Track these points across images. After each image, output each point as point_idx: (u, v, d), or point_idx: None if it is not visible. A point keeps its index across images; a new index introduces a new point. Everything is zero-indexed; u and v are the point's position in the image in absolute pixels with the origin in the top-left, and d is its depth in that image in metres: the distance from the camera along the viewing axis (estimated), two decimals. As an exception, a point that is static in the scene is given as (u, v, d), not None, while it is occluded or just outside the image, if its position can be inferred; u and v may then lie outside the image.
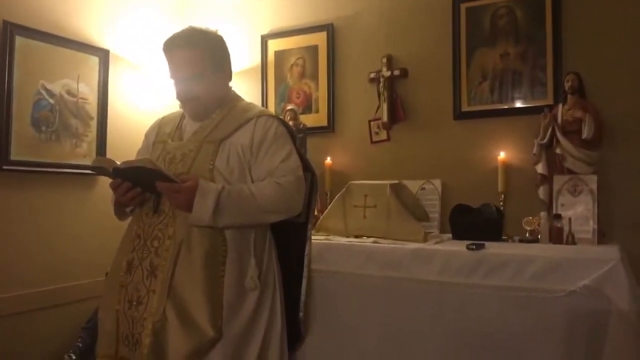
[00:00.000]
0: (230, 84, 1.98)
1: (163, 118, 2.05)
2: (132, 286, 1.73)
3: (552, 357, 1.94)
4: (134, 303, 1.71)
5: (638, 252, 2.29)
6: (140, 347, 1.67)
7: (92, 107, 3.15)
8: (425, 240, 2.38)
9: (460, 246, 2.21)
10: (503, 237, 2.46)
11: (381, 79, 3.03)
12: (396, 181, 2.59)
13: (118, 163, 1.70)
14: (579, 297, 1.91)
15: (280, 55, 3.46)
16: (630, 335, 1.84)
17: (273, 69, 3.48)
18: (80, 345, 2.79)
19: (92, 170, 1.86)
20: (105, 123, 3.21)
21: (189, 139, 1.87)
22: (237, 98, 1.99)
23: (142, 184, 1.73)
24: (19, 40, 2.76)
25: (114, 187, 1.75)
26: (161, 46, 1.85)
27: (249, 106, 1.96)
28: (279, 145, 1.84)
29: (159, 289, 1.69)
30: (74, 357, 2.74)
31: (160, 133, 1.97)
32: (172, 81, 1.86)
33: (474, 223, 2.45)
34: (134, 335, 1.69)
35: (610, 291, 1.87)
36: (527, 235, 2.47)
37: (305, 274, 2.04)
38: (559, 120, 2.49)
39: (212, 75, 1.84)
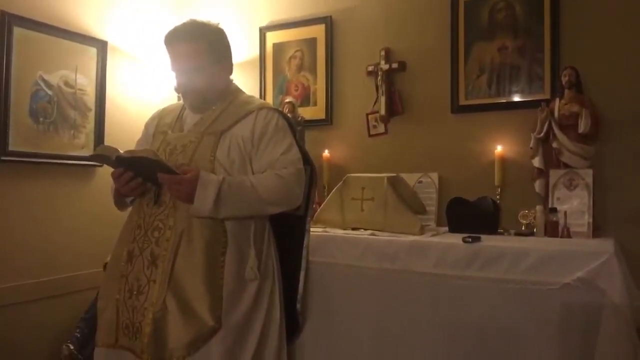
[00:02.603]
0: (230, 77, 1.99)
1: (163, 109, 2.06)
2: (133, 276, 1.75)
3: (546, 348, 1.96)
4: (135, 292, 1.73)
5: (632, 245, 2.32)
6: (141, 336, 1.69)
7: (90, 99, 3.14)
8: (421, 233, 2.40)
9: (456, 239, 2.22)
10: (499, 230, 2.48)
11: (379, 72, 3.03)
12: (393, 174, 2.61)
13: (121, 152, 1.71)
14: (573, 290, 1.93)
15: (278, 47, 3.45)
16: (623, 328, 1.86)
17: (271, 62, 3.47)
18: (79, 335, 2.80)
19: (94, 159, 1.87)
20: (103, 114, 3.21)
21: (190, 130, 1.89)
22: (238, 91, 2.00)
23: (144, 175, 1.74)
24: (17, 31, 2.75)
25: (116, 177, 1.76)
26: (162, 38, 1.86)
27: (250, 99, 1.98)
28: (279, 138, 1.85)
29: (159, 279, 1.70)
30: (72, 348, 2.75)
31: (161, 124, 1.98)
32: (172, 73, 1.88)
33: (471, 216, 2.47)
34: (134, 325, 1.71)
35: (604, 284, 1.89)
36: (523, 228, 2.48)
37: (303, 265, 2.06)
38: (556, 114, 2.50)
39: (213, 68, 1.85)
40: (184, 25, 1.86)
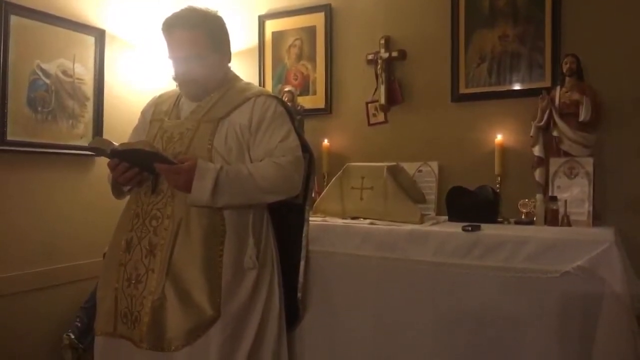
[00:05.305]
0: (229, 64, 1.98)
1: (160, 96, 2.05)
2: (131, 265, 1.75)
3: (546, 336, 1.97)
4: (133, 281, 1.73)
5: (632, 234, 2.32)
6: (139, 325, 1.69)
7: (88, 88, 3.13)
8: (421, 221, 2.39)
9: (456, 228, 2.21)
10: (499, 219, 2.47)
11: (379, 61, 3.01)
12: (393, 163, 2.59)
13: (116, 144, 1.70)
14: (573, 278, 1.93)
15: (277, 36, 3.43)
16: (623, 316, 1.85)
17: (270, 50, 3.45)
18: (79, 324, 2.81)
19: (89, 151, 1.86)
20: (102, 104, 3.19)
21: (187, 117, 1.87)
22: (236, 78, 1.99)
23: (140, 165, 1.73)
24: (13, 19, 2.73)
25: (112, 167, 1.75)
26: (160, 25, 1.84)
27: (248, 86, 1.96)
28: (277, 125, 1.84)
29: (157, 268, 1.70)
30: (72, 337, 2.76)
31: (157, 111, 1.96)
32: (170, 61, 1.86)
33: (470, 205, 2.46)
34: (133, 314, 1.71)
35: (604, 272, 1.89)
36: (523, 217, 2.48)
37: (303, 254, 2.06)
38: (557, 102, 2.48)
39: (211, 56, 1.84)
40: (183, 12, 1.84)
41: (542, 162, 2.52)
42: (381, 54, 3.01)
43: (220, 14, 1.92)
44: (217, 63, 1.89)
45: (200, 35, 1.81)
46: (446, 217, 2.55)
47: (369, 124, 3.12)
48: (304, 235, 2.06)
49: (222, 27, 1.92)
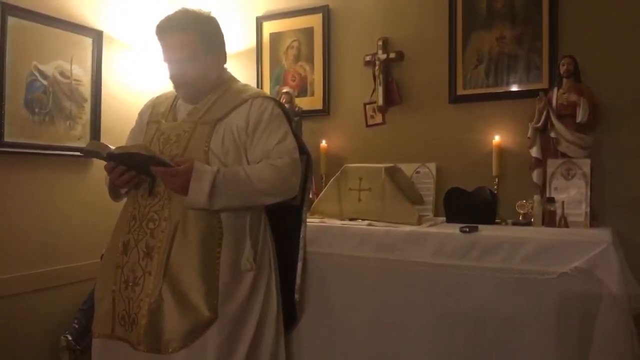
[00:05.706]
0: (225, 65, 1.97)
1: (158, 97, 2.04)
2: (128, 267, 1.75)
3: (544, 337, 1.97)
4: (130, 284, 1.73)
5: (629, 234, 2.32)
6: (137, 327, 1.69)
7: (86, 89, 3.12)
8: (419, 223, 2.40)
9: (454, 229, 2.22)
10: (496, 220, 2.48)
11: (377, 62, 3.01)
12: (391, 164, 2.60)
13: (112, 148, 1.70)
14: (571, 279, 1.93)
15: (275, 37, 3.43)
16: (620, 317, 1.86)
17: (268, 52, 3.45)
18: (77, 326, 2.81)
19: (85, 154, 1.86)
20: (99, 105, 3.19)
21: (184, 119, 1.87)
22: (233, 79, 1.98)
23: (137, 168, 1.73)
24: (11, 21, 2.72)
25: (109, 170, 1.75)
26: (154, 28, 1.83)
27: (245, 87, 1.96)
28: (274, 127, 1.84)
29: (154, 270, 1.70)
30: (70, 338, 2.76)
31: (154, 113, 1.96)
32: (165, 63, 1.85)
33: (468, 206, 2.46)
34: (130, 316, 1.71)
35: (601, 273, 1.89)
36: (520, 218, 2.48)
37: (300, 256, 2.06)
38: (554, 104, 2.49)
39: (205, 58, 1.83)
40: (176, 14, 1.83)
41: (540, 163, 2.53)
42: (379, 55, 3.01)
43: (213, 14, 1.91)
44: (211, 64, 1.88)
45: (192, 37, 1.80)
46: (444, 219, 2.55)
47: (367, 125, 3.12)
48: (301, 236, 2.06)
49: (215, 28, 1.91)
